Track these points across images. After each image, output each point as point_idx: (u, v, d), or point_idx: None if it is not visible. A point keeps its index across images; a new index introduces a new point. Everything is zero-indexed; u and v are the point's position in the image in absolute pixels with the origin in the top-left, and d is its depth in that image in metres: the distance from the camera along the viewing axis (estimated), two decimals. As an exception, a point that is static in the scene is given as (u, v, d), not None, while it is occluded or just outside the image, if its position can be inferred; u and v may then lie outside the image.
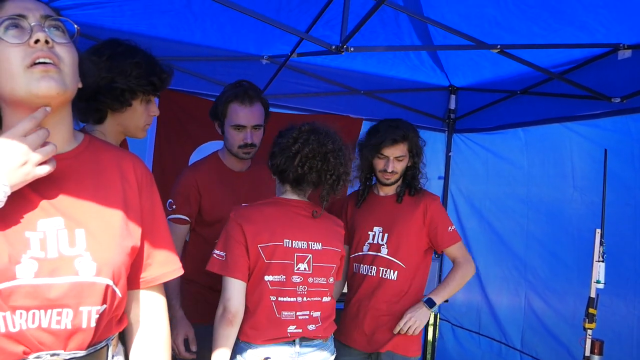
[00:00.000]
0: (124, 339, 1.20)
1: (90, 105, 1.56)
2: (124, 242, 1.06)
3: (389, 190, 2.43)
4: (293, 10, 2.67)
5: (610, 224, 2.34)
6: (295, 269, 1.80)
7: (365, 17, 1.95)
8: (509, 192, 3.35)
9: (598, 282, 2.31)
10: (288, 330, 1.78)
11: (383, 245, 2.32)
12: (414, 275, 2.33)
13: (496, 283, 3.38)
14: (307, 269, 1.82)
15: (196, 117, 3.39)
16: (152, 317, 1.19)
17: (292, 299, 1.80)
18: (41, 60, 0.93)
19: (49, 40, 0.94)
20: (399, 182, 2.41)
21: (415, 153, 2.37)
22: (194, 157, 3.43)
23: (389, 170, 2.32)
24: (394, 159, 2.33)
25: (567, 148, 2.93)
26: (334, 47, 2.13)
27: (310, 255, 1.83)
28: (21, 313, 0.93)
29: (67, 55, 0.98)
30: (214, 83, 3.35)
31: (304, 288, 1.82)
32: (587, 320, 2.34)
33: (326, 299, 1.89)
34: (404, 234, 2.31)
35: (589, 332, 2.33)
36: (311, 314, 1.83)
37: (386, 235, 2.33)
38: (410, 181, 2.39)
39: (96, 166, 1.09)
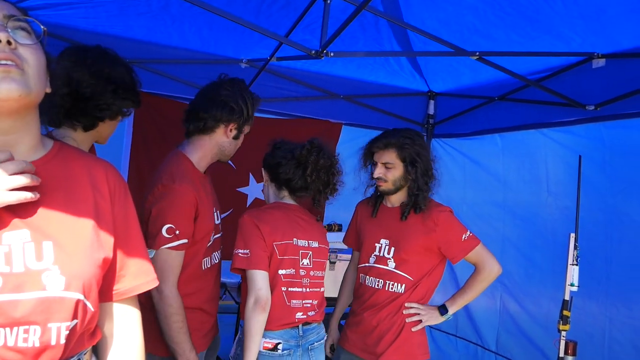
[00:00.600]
0: (97, 353, 1.15)
1: (100, 114, 1.62)
2: (95, 254, 1.01)
3: (394, 202, 2.32)
4: (273, 14, 2.66)
5: (583, 228, 2.39)
6: (301, 264, 2.10)
7: (345, 23, 1.94)
8: (486, 197, 3.41)
9: (572, 285, 2.36)
10: (296, 317, 2.06)
11: (390, 259, 2.25)
12: (421, 286, 2.25)
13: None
14: (309, 264, 2.14)
15: (173, 121, 3.32)
16: (126, 331, 1.15)
17: (299, 289, 2.09)
18: (2, 62, 0.87)
19: (11, 41, 0.89)
20: (403, 197, 2.29)
21: (411, 163, 2.22)
22: (172, 161, 3.39)
23: (375, 175, 2.26)
24: (381, 165, 2.25)
25: (542, 154, 2.99)
26: (313, 51, 2.12)
27: (310, 252, 2.15)
28: None
29: (31, 56, 0.92)
30: (192, 86, 3.31)
31: (307, 280, 2.13)
32: (561, 322, 2.38)
33: (322, 288, 2.21)
34: (411, 249, 2.21)
35: (563, 333, 2.38)
36: (312, 302, 2.13)
37: (393, 248, 2.25)
38: (414, 198, 2.24)
39: (66, 175, 1.04)
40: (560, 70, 2.75)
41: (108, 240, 1.06)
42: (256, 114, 3.53)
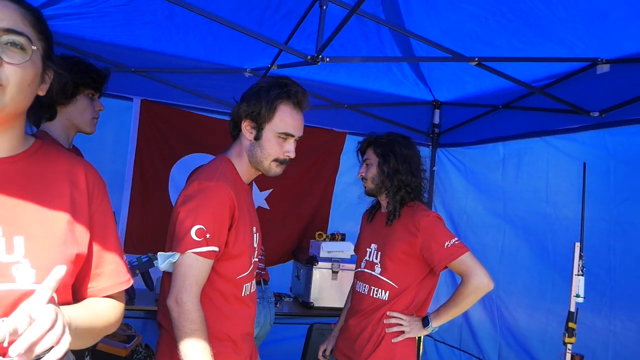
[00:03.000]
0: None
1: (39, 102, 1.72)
2: (68, 249, 1.01)
3: (385, 205, 2.29)
4: (276, 23, 2.68)
5: (585, 238, 2.30)
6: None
7: (338, 27, 1.95)
8: (487, 207, 3.35)
9: (577, 296, 2.28)
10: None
11: (377, 263, 2.20)
12: (406, 295, 2.15)
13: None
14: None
15: (178, 129, 3.38)
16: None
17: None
18: None
19: None
20: (387, 198, 2.24)
21: (383, 157, 2.20)
22: (176, 170, 3.41)
23: (358, 174, 2.31)
24: (363, 164, 2.31)
25: (544, 162, 2.93)
26: (309, 57, 2.13)
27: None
28: None
29: (15, 75, 0.93)
30: (197, 95, 3.35)
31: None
32: (566, 334, 2.30)
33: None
34: (394, 255, 2.15)
35: (569, 346, 2.30)
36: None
37: (379, 253, 2.21)
38: (397, 198, 2.19)
39: (44, 170, 1.05)
40: (564, 77, 2.72)
41: (83, 236, 1.06)
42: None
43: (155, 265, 3.24)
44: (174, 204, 3.72)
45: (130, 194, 3.25)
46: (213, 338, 1.60)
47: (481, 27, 2.45)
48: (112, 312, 1.13)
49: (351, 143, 3.71)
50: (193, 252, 1.55)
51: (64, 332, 0.84)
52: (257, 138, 1.74)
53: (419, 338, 3.73)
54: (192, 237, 1.55)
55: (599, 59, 2.48)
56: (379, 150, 2.24)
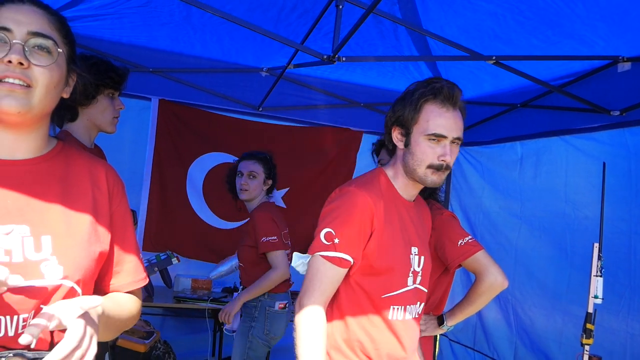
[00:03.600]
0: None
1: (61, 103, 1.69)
2: (92, 247, 1.06)
3: None
4: (292, 23, 2.69)
5: (604, 239, 2.26)
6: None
7: (355, 26, 1.95)
8: (504, 206, 3.33)
9: (596, 297, 2.26)
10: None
11: None
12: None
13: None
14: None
15: (195, 129, 3.42)
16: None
17: None
18: (9, 80, 0.94)
19: (24, 62, 0.95)
20: None
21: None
22: (194, 169, 3.45)
23: None
24: (378, 164, 2.34)
25: (563, 161, 2.91)
26: (325, 56, 2.13)
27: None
28: None
29: (42, 77, 0.98)
30: (214, 95, 3.38)
31: None
32: (584, 335, 2.27)
33: None
34: None
35: (587, 348, 2.28)
36: None
37: None
38: None
39: (66, 171, 1.09)
40: (584, 75, 2.68)
41: (105, 235, 1.10)
42: (277, 122, 3.61)
43: (174, 263, 3.24)
44: (191, 203, 3.76)
45: (148, 192, 3.29)
46: (351, 353, 1.56)
47: (499, 25, 2.42)
48: (133, 306, 1.18)
49: (367, 142, 3.72)
50: (320, 255, 1.50)
51: (89, 347, 0.89)
52: (407, 144, 1.59)
53: (435, 337, 3.70)
54: (321, 240, 1.51)
55: (620, 57, 2.44)
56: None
